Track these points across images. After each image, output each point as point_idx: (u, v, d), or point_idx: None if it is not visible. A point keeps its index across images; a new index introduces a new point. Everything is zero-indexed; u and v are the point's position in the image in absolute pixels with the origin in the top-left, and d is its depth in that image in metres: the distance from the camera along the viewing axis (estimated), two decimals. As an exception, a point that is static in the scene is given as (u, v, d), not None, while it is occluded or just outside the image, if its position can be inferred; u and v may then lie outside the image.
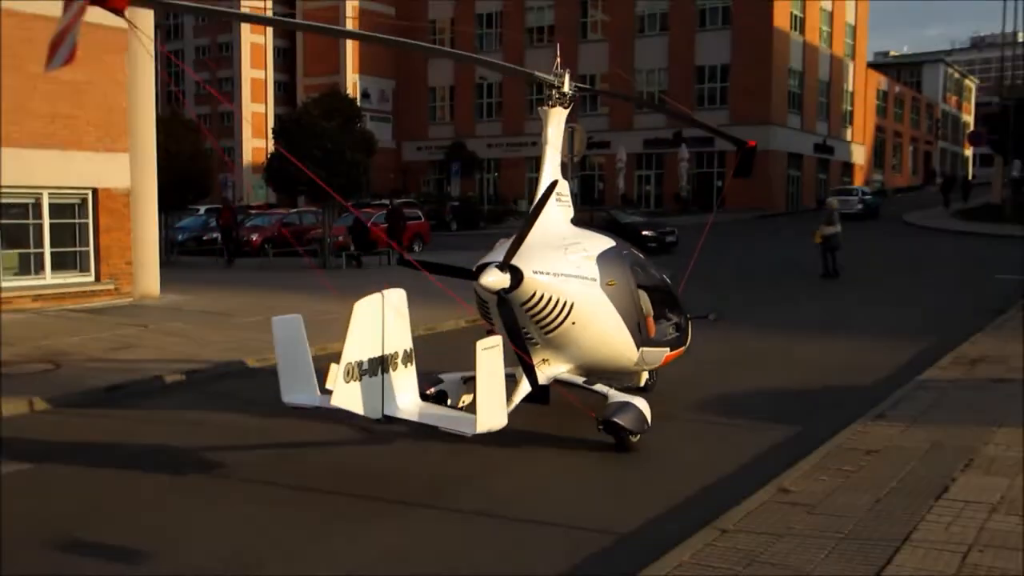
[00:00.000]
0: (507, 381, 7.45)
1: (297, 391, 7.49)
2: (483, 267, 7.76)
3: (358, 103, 29.78)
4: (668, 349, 9.78)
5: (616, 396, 8.59)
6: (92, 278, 18.03)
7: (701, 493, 7.25)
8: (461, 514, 6.96)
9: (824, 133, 65.10)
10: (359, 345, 6.95)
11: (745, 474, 7.63)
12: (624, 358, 9.19)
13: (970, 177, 76.47)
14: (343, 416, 7.63)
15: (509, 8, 65.15)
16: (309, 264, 26.37)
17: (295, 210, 37.91)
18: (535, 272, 7.84)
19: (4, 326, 15.13)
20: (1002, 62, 68.91)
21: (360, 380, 6.93)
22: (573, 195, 9.91)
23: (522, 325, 7.94)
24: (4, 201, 16.79)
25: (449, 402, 8.77)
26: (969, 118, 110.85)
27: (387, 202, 34.44)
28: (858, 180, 69.90)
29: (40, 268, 17.43)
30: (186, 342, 14.05)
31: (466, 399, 9.10)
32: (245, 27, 74.03)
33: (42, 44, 15.68)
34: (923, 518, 6.15)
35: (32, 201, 17.28)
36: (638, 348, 9.14)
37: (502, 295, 7.74)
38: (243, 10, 70.21)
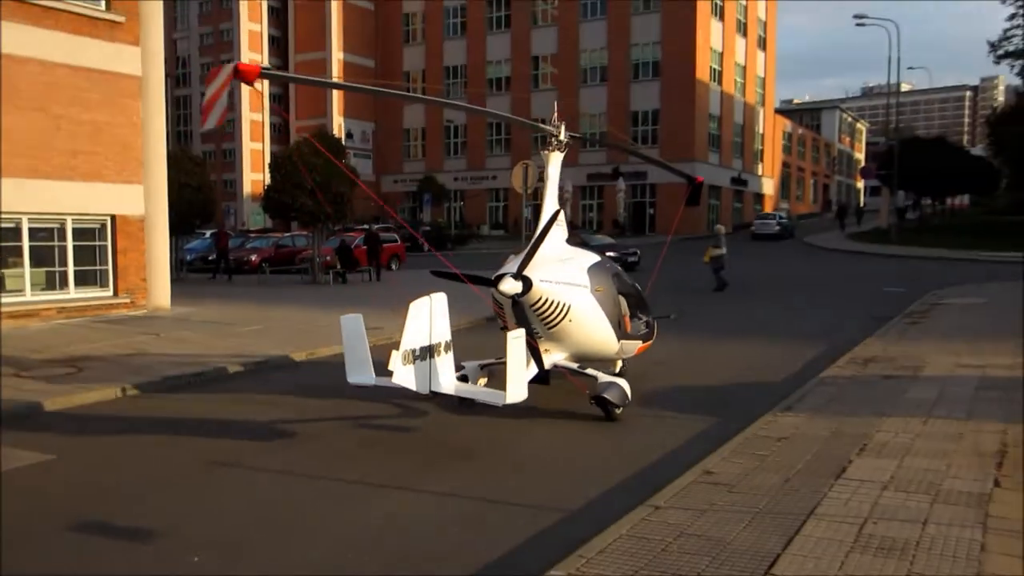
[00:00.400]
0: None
1: (358, 373, 8.02)
2: (500, 277, 8.49)
3: (343, 142, 29.62)
4: (640, 342, 10.54)
5: (603, 377, 9.28)
6: (111, 293, 17.70)
7: (639, 475, 7.24)
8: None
9: (739, 168, 65.86)
10: (413, 336, 7.58)
11: (675, 458, 7.63)
12: (608, 348, 9.84)
13: (862, 205, 77.67)
14: (397, 393, 8.39)
15: (473, 62, 65.30)
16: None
17: (289, 234, 37.55)
18: (541, 281, 8.60)
19: (33, 335, 14.83)
20: (887, 108, 70.17)
21: (414, 363, 7.59)
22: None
23: (530, 322, 8.56)
24: (33, 226, 16.49)
25: (469, 383, 9.24)
26: (860, 155, 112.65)
27: (368, 228, 34.36)
28: (768, 208, 70.70)
29: (64, 284, 17.09)
30: (194, 347, 13.81)
31: (481, 382, 9.62)
32: (245, 76, 73.49)
33: (65, 88, 15.62)
34: (825, 495, 6.19)
35: (58, 226, 16.95)
36: (618, 340, 9.81)
37: (516, 299, 8.49)
38: (255, 57, 69.73)
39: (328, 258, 28.08)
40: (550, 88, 61.63)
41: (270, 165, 27.07)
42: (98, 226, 17.59)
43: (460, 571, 5.32)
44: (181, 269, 30.30)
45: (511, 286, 8.42)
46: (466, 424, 9.18)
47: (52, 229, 16.92)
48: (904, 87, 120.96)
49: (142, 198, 18.15)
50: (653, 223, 57.31)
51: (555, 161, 9.86)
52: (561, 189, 10.24)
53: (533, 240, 8.88)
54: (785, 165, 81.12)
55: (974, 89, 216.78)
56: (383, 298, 21.78)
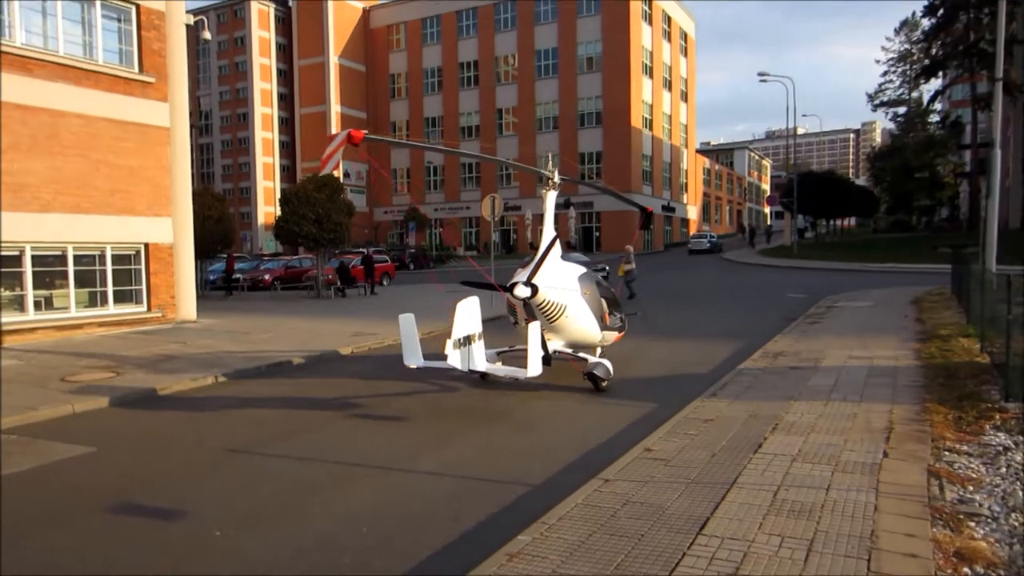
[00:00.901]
0: (523, 353, 9.15)
1: (411, 357, 9.03)
2: (514, 284, 9.33)
3: (341, 180, 29.37)
4: (616, 332, 11.24)
5: (592, 359, 10.18)
6: (144, 308, 17.31)
7: (592, 453, 7.15)
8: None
9: (668, 198, 66.37)
10: (459, 328, 8.59)
11: (622, 438, 7.56)
12: (594, 337, 10.58)
13: (769, 226, 78.65)
14: (443, 371, 9.45)
15: (448, 113, 65.28)
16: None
17: (297, 256, 37.11)
18: (545, 286, 9.43)
19: (80, 344, 14.45)
20: (787, 148, 71.13)
21: (459, 348, 8.56)
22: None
23: (537, 318, 9.37)
24: (77, 253, 16.10)
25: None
26: (766, 186, 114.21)
27: (363, 251, 34.12)
28: (692, 230, 71.33)
29: (104, 301, 16.68)
30: (216, 354, 13.51)
31: (497, 364, 10.04)
32: (257, 125, 72.54)
33: (104, 138, 15.32)
34: (745, 467, 6.17)
35: (99, 253, 16.56)
36: (601, 331, 10.60)
37: (526, 300, 9.31)
38: (266, 110, 68.91)
39: (330, 276, 27.77)
40: (512, 134, 61.88)
41: (280, 200, 26.65)
42: (133, 252, 17.21)
43: (443, 540, 5.21)
44: (205, 287, 29.77)
45: (522, 291, 9.25)
46: (478, 398, 9.50)
47: (94, 255, 16.53)
48: (800, 130, 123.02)
49: (171, 228, 17.79)
50: (599, 243, 57.57)
51: (551, 197, 10.54)
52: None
53: (538, 257, 9.64)
54: (705, 195, 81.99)
55: (856, 132, 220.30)
56: (376, 309, 21.59)
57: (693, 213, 75.61)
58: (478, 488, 6.27)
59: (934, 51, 52.95)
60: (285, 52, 75.06)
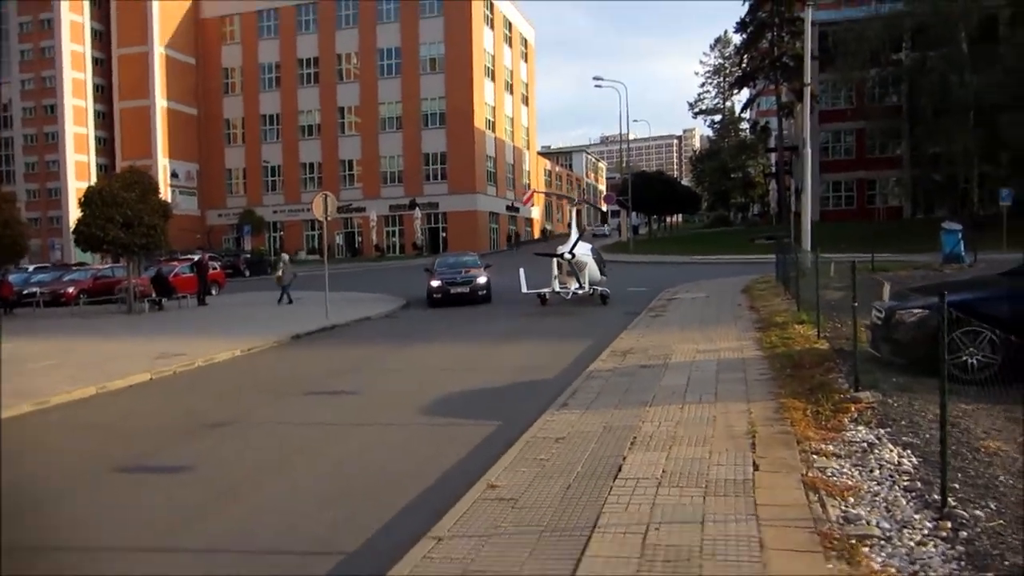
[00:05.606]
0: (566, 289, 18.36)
1: (524, 288, 18.87)
2: (561, 253, 18.11)
3: (168, 181, 25.88)
4: (606, 278, 19.66)
5: (601, 288, 18.70)
6: None
7: (424, 495, 5.71)
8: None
9: (512, 198, 66.12)
10: (557, 271, 18.30)
11: (460, 470, 6.18)
12: (598, 278, 18.95)
13: (617, 222, 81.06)
14: (542, 295, 18.82)
15: (286, 111, 61.36)
16: None
17: (108, 265, 32.55)
18: (579, 253, 18.32)
19: None
20: (621, 152, 73.39)
21: (554, 281, 18.25)
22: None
23: (575, 269, 17.95)
24: None
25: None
26: (603, 187, 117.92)
27: (195, 256, 30.50)
28: (536, 229, 71.86)
29: None
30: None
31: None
32: (68, 119, 64.49)
33: None
34: (606, 500, 5.00)
35: None
36: (600, 276, 19.19)
37: (569, 261, 18.02)
38: (79, 103, 61.72)
39: (144, 288, 24.27)
40: (354, 134, 59.17)
41: (81, 201, 22.70)
42: None
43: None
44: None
45: (568, 256, 17.96)
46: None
47: None
48: (631, 136, 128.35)
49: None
50: (447, 244, 56.23)
51: (574, 213, 22.17)
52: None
53: (574, 241, 18.43)
54: (547, 195, 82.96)
55: (679, 137, 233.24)
56: (194, 324, 18.98)
57: (536, 213, 76.05)
58: (265, 564, 4.65)
59: (744, 65, 56.47)
60: (102, 39, 67.24)
